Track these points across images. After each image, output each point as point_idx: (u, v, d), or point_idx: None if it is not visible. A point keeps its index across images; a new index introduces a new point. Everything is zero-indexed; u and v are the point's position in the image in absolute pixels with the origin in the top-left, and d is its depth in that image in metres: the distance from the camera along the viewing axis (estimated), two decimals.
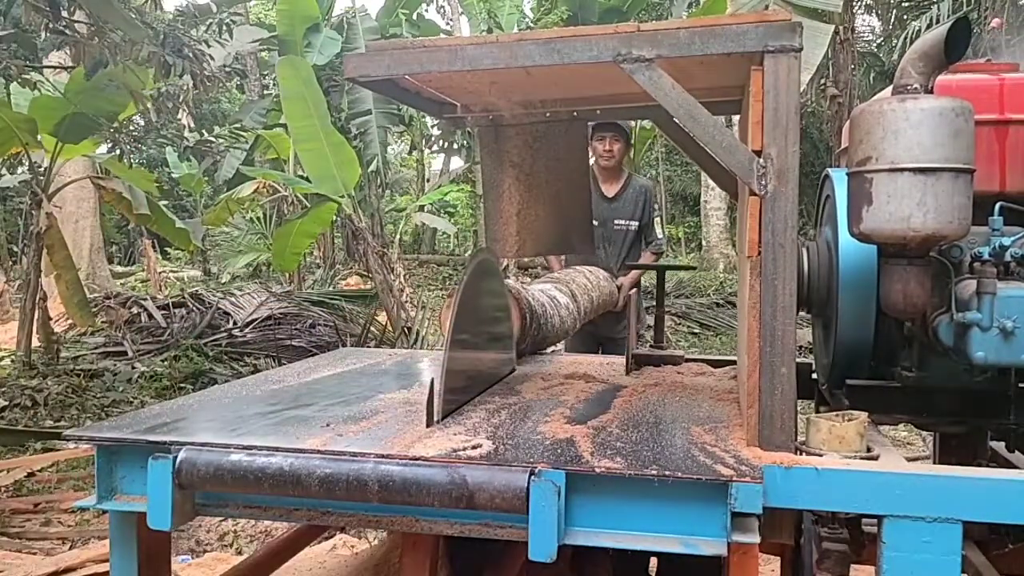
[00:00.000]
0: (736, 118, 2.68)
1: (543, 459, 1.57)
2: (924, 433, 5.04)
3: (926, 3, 14.59)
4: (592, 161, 4.24)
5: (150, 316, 9.49)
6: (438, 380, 1.89)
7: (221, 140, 11.19)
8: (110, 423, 1.92)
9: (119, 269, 17.46)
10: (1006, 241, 1.88)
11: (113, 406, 6.85)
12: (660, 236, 4.51)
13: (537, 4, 15.24)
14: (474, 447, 1.65)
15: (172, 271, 16.94)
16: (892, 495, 1.52)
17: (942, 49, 1.89)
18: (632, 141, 5.05)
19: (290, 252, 10.41)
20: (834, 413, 1.80)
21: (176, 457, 1.64)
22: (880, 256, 1.96)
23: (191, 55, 7.25)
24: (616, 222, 4.34)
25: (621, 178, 4.42)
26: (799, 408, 1.87)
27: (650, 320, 4.69)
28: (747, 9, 6.92)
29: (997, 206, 1.95)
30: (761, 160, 1.63)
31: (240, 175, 13.44)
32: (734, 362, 2.74)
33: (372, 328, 8.75)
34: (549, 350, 3.09)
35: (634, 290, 3.41)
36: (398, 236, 13.72)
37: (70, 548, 4.07)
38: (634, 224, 4.37)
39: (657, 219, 4.52)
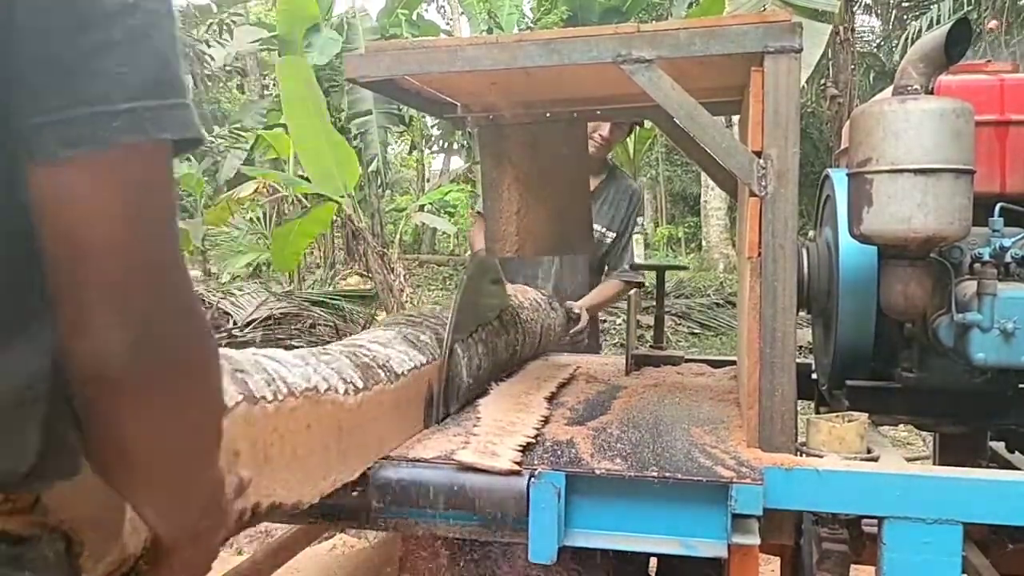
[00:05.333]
0: (736, 118, 2.68)
1: (543, 461, 1.58)
2: (924, 433, 5.04)
3: (926, 3, 14.60)
4: None
5: None
6: (437, 381, 1.88)
7: (221, 140, 11.19)
8: None
9: None
10: (1006, 242, 1.88)
11: None
12: (633, 260, 3.43)
13: (537, 4, 15.24)
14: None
15: None
16: (892, 496, 1.52)
17: (942, 50, 1.89)
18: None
19: (290, 252, 10.40)
20: (834, 414, 1.80)
21: None
22: (880, 257, 1.96)
23: (192, 55, 7.25)
24: None
25: (602, 171, 3.36)
26: (799, 409, 1.86)
27: (650, 320, 4.57)
28: (744, 9, 6.92)
29: (997, 207, 1.94)
30: (761, 161, 1.63)
31: (240, 175, 13.44)
32: (734, 362, 2.73)
33: None
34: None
35: (634, 291, 3.32)
36: (398, 236, 13.70)
37: None
38: (611, 235, 3.34)
39: (638, 237, 3.46)
